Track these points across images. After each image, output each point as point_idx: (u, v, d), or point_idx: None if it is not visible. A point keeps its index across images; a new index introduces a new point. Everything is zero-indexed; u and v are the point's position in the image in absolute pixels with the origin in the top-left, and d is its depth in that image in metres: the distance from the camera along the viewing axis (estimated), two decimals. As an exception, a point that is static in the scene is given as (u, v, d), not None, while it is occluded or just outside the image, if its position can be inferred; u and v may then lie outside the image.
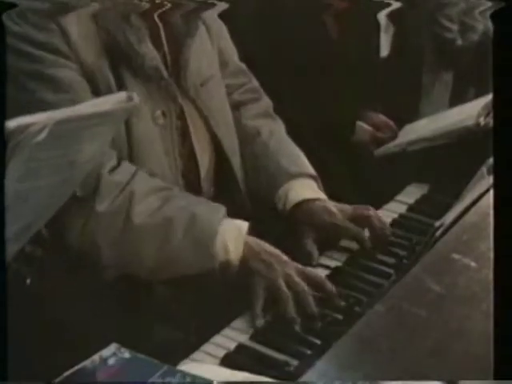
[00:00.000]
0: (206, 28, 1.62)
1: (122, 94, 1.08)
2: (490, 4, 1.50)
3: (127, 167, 1.43)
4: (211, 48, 1.63)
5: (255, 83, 1.76)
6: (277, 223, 1.57)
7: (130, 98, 1.08)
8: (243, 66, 1.75)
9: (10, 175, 0.98)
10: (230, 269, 1.39)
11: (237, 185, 1.61)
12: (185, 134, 1.53)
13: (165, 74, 1.48)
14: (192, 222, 1.39)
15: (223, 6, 1.63)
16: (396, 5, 2.45)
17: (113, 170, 1.41)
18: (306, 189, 1.60)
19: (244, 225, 1.42)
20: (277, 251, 1.41)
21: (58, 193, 1.12)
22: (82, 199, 1.37)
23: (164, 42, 1.51)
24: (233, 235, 1.40)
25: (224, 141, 1.59)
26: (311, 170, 1.63)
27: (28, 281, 1.31)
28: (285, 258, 1.40)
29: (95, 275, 1.40)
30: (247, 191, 1.64)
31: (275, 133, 1.70)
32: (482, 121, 1.84)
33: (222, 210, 1.43)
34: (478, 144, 1.73)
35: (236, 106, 1.70)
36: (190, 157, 1.54)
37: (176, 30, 1.52)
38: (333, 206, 1.57)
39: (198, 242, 1.39)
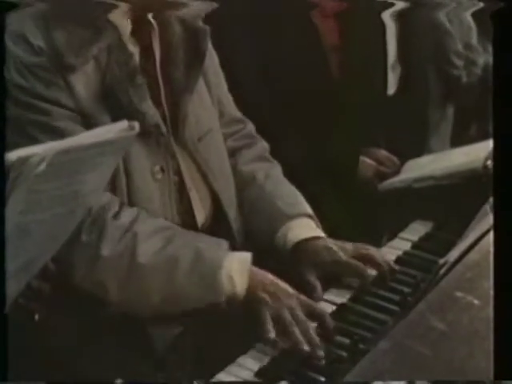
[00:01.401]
0: (205, 81, 1.64)
1: (124, 123, 1.09)
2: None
3: (129, 211, 1.46)
4: (210, 101, 1.66)
5: (250, 128, 1.78)
6: (278, 265, 1.58)
7: (131, 127, 1.08)
8: (238, 114, 1.77)
9: (11, 208, 0.98)
10: (236, 301, 1.41)
11: (233, 238, 1.61)
12: (182, 190, 1.56)
13: (164, 130, 1.51)
14: (196, 257, 1.42)
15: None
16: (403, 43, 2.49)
17: (116, 215, 1.44)
18: (304, 228, 1.62)
19: (248, 256, 1.45)
20: (282, 283, 1.43)
21: (62, 225, 1.12)
22: (87, 244, 1.40)
23: (163, 98, 1.54)
24: (238, 267, 1.43)
25: (222, 195, 1.61)
26: (308, 210, 1.65)
27: (36, 317, 1.32)
28: (290, 289, 1.42)
29: (101, 313, 1.42)
30: (245, 236, 1.65)
31: (271, 175, 1.72)
32: (489, 164, 1.86)
33: (225, 244, 1.46)
34: (482, 182, 1.74)
35: (231, 153, 1.72)
36: (187, 212, 1.57)
37: (175, 86, 1.55)
38: (333, 244, 1.59)
39: (204, 277, 1.41)
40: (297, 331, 1.35)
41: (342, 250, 1.57)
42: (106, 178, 1.19)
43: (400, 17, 2.48)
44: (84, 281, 1.41)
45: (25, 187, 0.98)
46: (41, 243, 1.09)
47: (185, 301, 1.42)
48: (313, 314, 1.40)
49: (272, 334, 1.35)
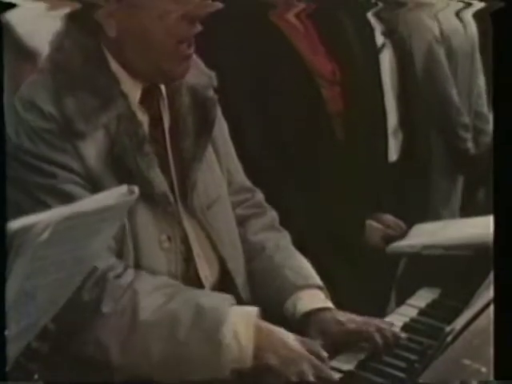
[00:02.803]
0: (214, 149, 1.65)
1: (123, 188, 1.10)
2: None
3: (131, 271, 1.47)
4: (219, 169, 1.67)
5: (259, 197, 1.79)
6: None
7: (131, 191, 1.10)
8: (247, 183, 1.78)
9: (14, 275, 1.00)
10: (244, 368, 1.40)
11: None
12: (189, 259, 1.56)
13: (171, 199, 1.52)
14: (199, 312, 1.42)
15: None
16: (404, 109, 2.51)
17: (118, 275, 1.45)
18: (314, 299, 1.61)
19: (254, 309, 1.45)
20: (293, 341, 1.42)
21: (63, 289, 1.14)
22: (88, 302, 1.41)
23: (172, 166, 1.56)
24: (242, 320, 1.42)
25: (230, 262, 1.61)
26: (318, 281, 1.65)
27: (36, 376, 1.32)
28: (301, 349, 1.41)
29: (105, 376, 1.41)
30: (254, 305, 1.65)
31: (281, 246, 1.71)
32: None
33: (229, 298, 1.46)
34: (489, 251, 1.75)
35: (240, 222, 1.72)
36: (194, 280, 1.56)
37: (184, 154, 1.57)
38: (341, 315, 1.58)
39: (207, 332, 1.40)
40: None
41: (351, 321, 1.57)
42: (106, 242, 1.21)
43: (400, 88, 2.52)
44: (84, 340, 1.41)
45: (29, 254, 0.99)
46: (42, 307, 1.10)
47: (188, 362, 1.40)
48: (322, 378, 1.39)
49: None
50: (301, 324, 1.59)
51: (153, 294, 1.44)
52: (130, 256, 1.49)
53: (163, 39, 1.48)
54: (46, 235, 0.98)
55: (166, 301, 1.43)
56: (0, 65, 1.35)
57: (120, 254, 1.48)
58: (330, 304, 1.62)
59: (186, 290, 1.49)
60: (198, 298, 1.44)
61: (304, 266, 1.68)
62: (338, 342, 1.56)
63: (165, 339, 1.40)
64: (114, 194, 1.10)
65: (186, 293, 1.47)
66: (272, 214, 1.79)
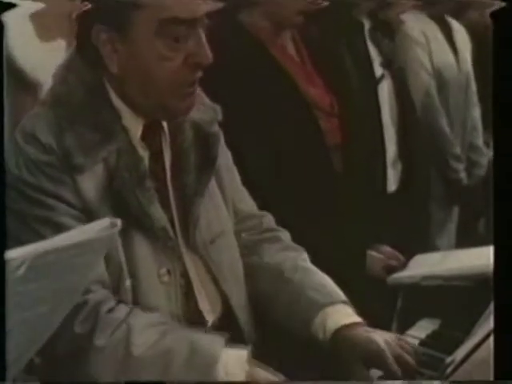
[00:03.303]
0: (218, 179, 1.65)
1: (106, 221, 1.09)
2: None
3: (124, 306, 1.47)
4: (222, 201, 1.66)
5: (269, 221, 1.77)
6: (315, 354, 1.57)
7: (113, 225, 1.09)
8: (254, 208, 1.77)
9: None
10: None
11: (243, 340, 1.59)
12: (188, 293, 1.56)
13: (171, 234, 1.52)
14: (192, 350, 1.41)
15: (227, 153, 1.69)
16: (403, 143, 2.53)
17: (111, 310, 1.45)
18: (342, 314, 1.59)
19: (244, 352, 1.44)
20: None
21: (45, 323, 1.12)
22: (80, 335, 1.41)
23: (172, 202, 1.56)
24: (235, 360, 1.42)
25: (232, 298, 1.61)
26: (342, 296, 1.62)
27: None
28: None
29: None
30: (281, 330, 1.64)
31: (299, 266, 1.68)
32: None
33: (224, 337, 1.45)
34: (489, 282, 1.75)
35: (252, 249, 1.71)
36: (194, 314, 1.56)
37: (186, 190, 1.57)
38: (372, 331, 1.56)
39: (199, 370, 1.40)
40: None
41: (386, 342, 1.54)
42: (88, 276, 1.19)
43: (399, 119, 2.54)
44: (76, 374, 1.41)
45: (9, 290, 1.00)
46: (22, 343, 1.09)
47: None
48: None
49: None
50: (333, 342, 1.57)
51: (147, 331, 1.43)
52: (128, 289, 1.49)
53: (165, 79, 1.48)
54: (22, 271, 0.99)
55: (159, 337, 1.43)
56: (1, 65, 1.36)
57: (117, 288, 1.48)
58: (358, 319, 1.60)
59: (180, 328, 1.49)
60: (192, 337, 1.44)
61: (325, 283, 1.66)
62: (372, 362, 1.54)
63: (158, 376, 1.40)
64: (96, 228, 1.09)
65: (179, 330, 1.47)
66: (285, 235, 1.77)
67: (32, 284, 1.02)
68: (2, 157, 1.44)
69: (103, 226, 1.09)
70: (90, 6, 1.50)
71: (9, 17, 1.55)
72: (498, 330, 1.23)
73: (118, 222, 1.09)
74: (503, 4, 1.29)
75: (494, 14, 1.30)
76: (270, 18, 2.06)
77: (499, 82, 1.27)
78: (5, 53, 1.54)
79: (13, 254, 0.99)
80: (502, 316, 1.22)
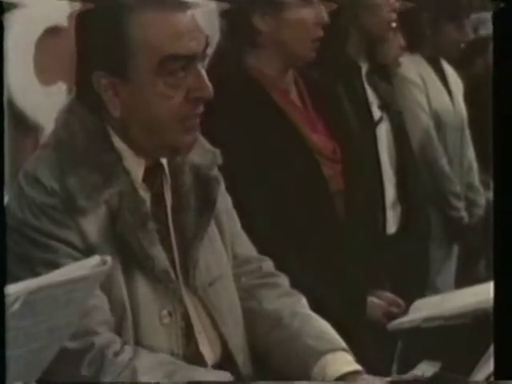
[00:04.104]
0: (217, 223, 1.65)
1: (96, 258, 1.11)
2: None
3: (130, 348, 1.47)
4: (222, 246, 1.66)
5: (268, 266, 1.76)
6: None
7: (103, 262, 1.11)
8: (254, 253, 1.76)
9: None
10: None
11: (242, 382, 1.59)
12: (189, 335, 1.56)
13: (173, 276, 1.53)
14: None
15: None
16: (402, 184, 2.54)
17: (117, 353, 1.44)
18: (341, 363, 1.57)
19: None
20: None
21: (37, 360, 1.13)
22: (86, 376, 1.41)
23: (174, 244, 1.56)
24: None
25: (231, 341, 1.60)
26: (342, 343, 1.61)
27: None
28: None
29: None
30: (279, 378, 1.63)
31: (298, 313, 1.67)
32: None
33: (228, 376, 1.46)
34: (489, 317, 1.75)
35: (251, 293, 1.70)
36: (195, 355, 1.56)
37: (186, 232, 1.57)
38: (371, 379, 1.56)
39: None
40: None
41: None
42: (79, 312, 1.20)
43: (397, 161, 2.55)
44: None
45: (6, 326, 1.01)
46: (16, 378, 1.10)
47: None
48: None
49: None
50: None
51: (152, 372, 1.43)
52: (130, 330, 1.49)
53: (168, 117, 1.49)
54: (16, 306, 1.00)
55: (166, 376, 1.43)
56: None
57: (119, 329, 1.48)
58: (359, 367, 1.58)
59: (186, 368, 1.49)
60: (199, 376, 1.44)
61: (325, 330, 1.64)
62: None
63: None
64: (87, 265, 1.11)
65: (185, 370, 1.47)
66: (284, 280, 1.76)
67: (26, 320, 1.04)
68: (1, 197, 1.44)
69: (94, 264, 1.11)
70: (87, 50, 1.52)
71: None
72: (497, 372, 1.23)
73: (109, 259, 1.11)
74: (503, 4, 1.29)
75: (494, 14, 1.30)
76: (275, 61, 2.07)
77: (499, 125, 1.28)
78: (6, 95, 1.55)
79: (9, 289, 1.01)
80: (501, 357, 1.22)
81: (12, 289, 1.01)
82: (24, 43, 2.10)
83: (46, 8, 2.12)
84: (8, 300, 0.99)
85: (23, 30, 2.09)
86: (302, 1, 2.03)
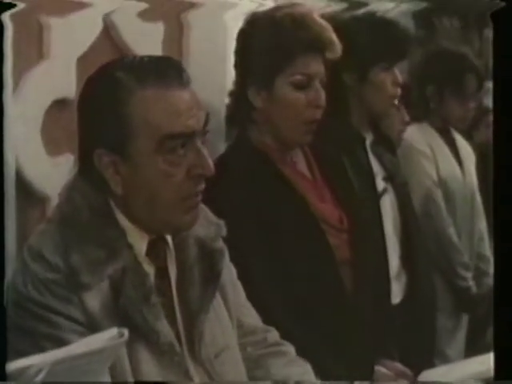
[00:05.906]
0: (222, 295, 1.65)
1: (113, 331, 1.13)
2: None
3: None
4: (227, 317, 1.66)
5: (273, 336, 1.77)
6: None
7: (120, 334, 1.12)
8: (260, 323, 1.76)
9: None
10: None
11: None
12: None
13: (178, 349, 1.52)
14: None
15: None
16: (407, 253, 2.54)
17: None
18: None
19: None
20: None
21: None
22: None
23: (178, 317, 1.56)
24: None
25: None
26: None
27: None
28: None
29: None
30: None
31: (305, 382, 1.68)
32: None
33: None
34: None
35: (257, 363, 1.70)
36: None
37: (191, 305, 1.57)
38: None
39: None
40: None
41: None
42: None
43: (402, 233, 2.55)
44: None
45: None
46: None
47: None
48: None
49: None
50: None
51: None
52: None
53: (170, 195, 1.51)
54: (40, 377, 1.00)
55: None
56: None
57: None
58: None
59: None
60: None
61: None
62: None
63: None
64: (105, 337, 1.12)
65: None
66: (290, 349, 1.77)
67: None
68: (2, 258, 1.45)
69: (111, 336, 1.12)
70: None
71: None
72: (497, 372, 1.21)
73: (126, 331, 1.13)
74: (503, 4, 1.30)
75: (494, 14, 1.30)
76: (277, 137, 2.08)
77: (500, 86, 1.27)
78: (15, 166, 1.55)
79: (30, 361, 1.01)
80: (501, 359, 1.20)
81: (34, 360, 1.01)
82: (32, 114, 2.12)
83: (55, 80, 2.15)
84: (31, 371, 1.00)
85: (32, 101, 2.11)
86: (297, 81, 2.03)
